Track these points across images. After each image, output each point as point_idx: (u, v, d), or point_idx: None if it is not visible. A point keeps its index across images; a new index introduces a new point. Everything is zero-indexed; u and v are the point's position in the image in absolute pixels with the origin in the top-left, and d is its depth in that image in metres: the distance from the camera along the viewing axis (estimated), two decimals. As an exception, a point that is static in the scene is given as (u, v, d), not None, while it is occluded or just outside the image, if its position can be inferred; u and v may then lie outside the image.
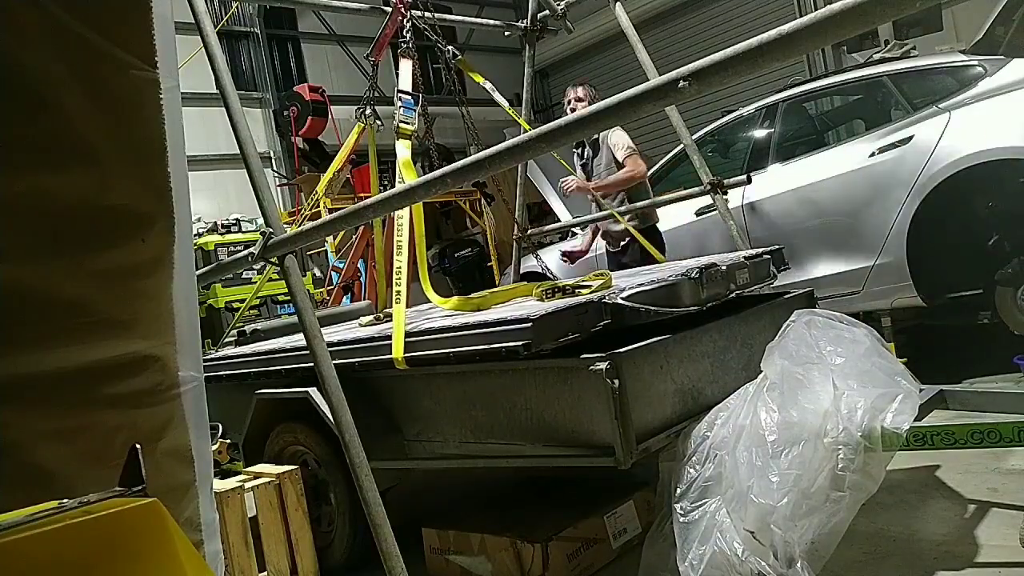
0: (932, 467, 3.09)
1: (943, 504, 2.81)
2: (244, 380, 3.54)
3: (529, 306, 2.68)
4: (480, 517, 3.01)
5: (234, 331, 4.67)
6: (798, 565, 2.08)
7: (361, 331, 3.32)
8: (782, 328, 2.61)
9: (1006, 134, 3.93)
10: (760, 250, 3.39)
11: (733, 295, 2.99)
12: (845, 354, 2.48)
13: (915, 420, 2.34)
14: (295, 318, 2.66)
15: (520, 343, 2.30)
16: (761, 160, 5.03)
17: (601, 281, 2.80)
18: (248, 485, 2.84)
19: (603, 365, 2.21)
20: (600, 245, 5.65)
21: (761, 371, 2.48)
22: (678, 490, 2.28)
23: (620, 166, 4.71)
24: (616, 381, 2.21)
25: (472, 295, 3.41)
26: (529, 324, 2.29)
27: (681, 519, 2.24)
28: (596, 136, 4.83)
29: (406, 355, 2.66)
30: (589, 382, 2.26)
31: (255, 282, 9.04)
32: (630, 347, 2.35)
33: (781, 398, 2.33)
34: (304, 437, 3.25)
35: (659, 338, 2.47)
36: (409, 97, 3.70)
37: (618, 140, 4.73)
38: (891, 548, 2.52)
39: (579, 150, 5.00)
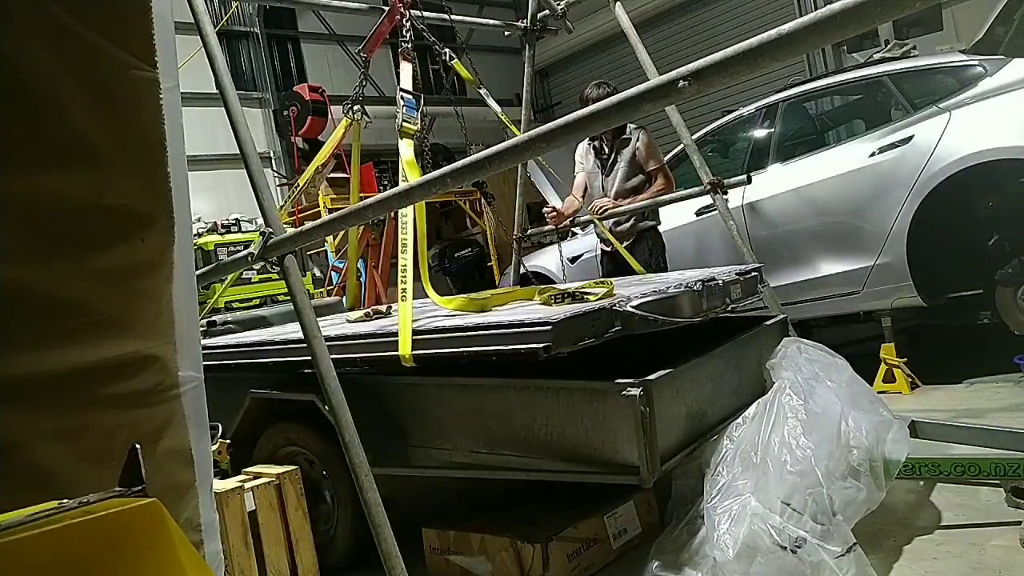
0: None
1: (944, 504, 2.81)
2: (230, 373, 3.47)
3: (535, 310, 2.69)
4: (480, 517, 3.01)
5: (203, 322, 4.60)
6: (839, 517, 2.20)
7: (359, 327, 3.31)
8: (776, 351, 2.84)
9: (1006, 134, 3.93)
10: (749, 267, 3.56)
11: (729, 308, 3.11)
12: (835, 379, 2.69)
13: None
14: (267, 310, 2.67)
15: (540, 345, 2.31)
16: (761, 160, 5.03)
17: (605, 289, 2.82)
18: (248, 485, 2.83)
19: (636, 391, 2.26)
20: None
21: (750, 390, 2.68)
22: (710, 496, 2.35)
23: (641, 169, 4.57)
24: (647, 408, 2.26)
25: (473, 296, 3.41)
26: (550, 327, 2.31)
27: (712, 514, 2.30)
28: (623, 131, 4.61)
29: (415, 352, 2.66)
30: (618, 405, 2.31)
31: (255, 282, 9.04)
32: (659, 373, 2.41)
33: (803, 393, 2.51)
34: (301, 437, 3.24)
35: (681, 366, 2.55)
36: (411, 96, 3.70)
37: (650, 147, 4.55)
38: (891, 547, 2.53)
39: (596, 143, 4.70)
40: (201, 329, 4.44)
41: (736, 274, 3.26)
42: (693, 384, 2.62)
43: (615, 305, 2.53)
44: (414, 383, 2.84)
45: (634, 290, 2.84)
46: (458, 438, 2.73)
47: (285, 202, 6.15)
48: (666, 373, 2.44)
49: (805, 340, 3.03)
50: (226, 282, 6.17)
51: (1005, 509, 2.60)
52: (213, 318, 4.68)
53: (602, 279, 3.32)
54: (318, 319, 4.12)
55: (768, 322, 3.35)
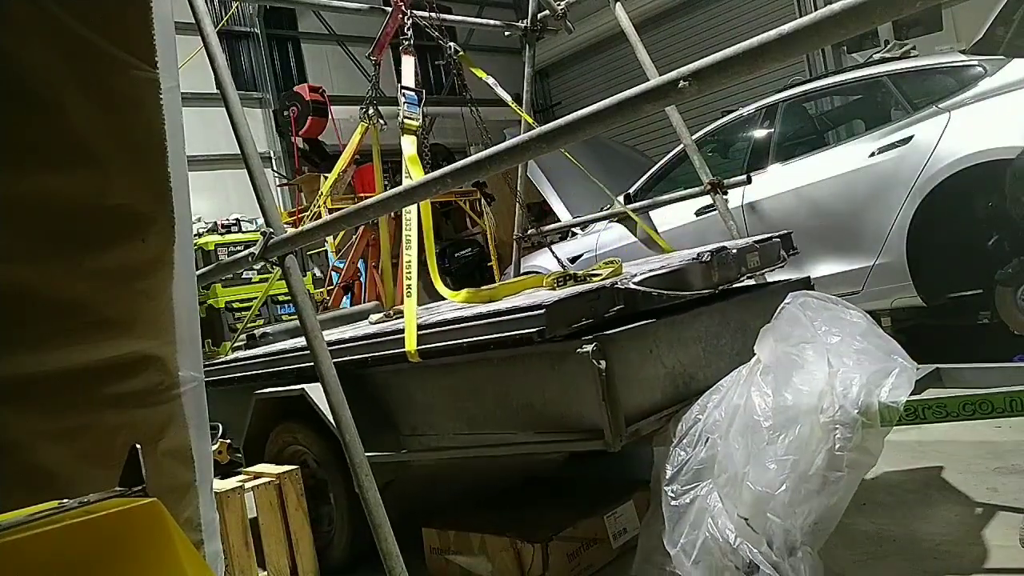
0: (932, 467, 3.09)
1: (943, 504, 2.81)
2: (248, 383, 3.54)
3: (541, 295, 2.67)
4: (480, 517, 3.01)
5: (243, 335, 4.69)
6: (799, 554, 2.06)
7: (371, 328, 3.33)
8: (777, 310, 2.58)
9: (1006, 134, 3.93)
10: (770, 234, 3.38)
11: (745, 279, 2.97)
12: (841, 333, 2.44)
13: (911, 396, 2.29)
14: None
15: (534, 329, 2.30)
16: (761, 160, 5.02)
17: (611, 269, 2.80)
18: (248, 485, 2.84)
19: (589, 347, 2.21)
20: (602, 243, 5.65)
21: (755, 355, 2.45)
22: (669, 472, 2.26)
23: None
24: (603, 363, 2.20)
25: (482, 287, 3.41)
26: (543, 311, 2.29)
27: (672, 502, 2.22)
28: None
29: (419, 347, 2.66)
30: (577, 365, 2.26)
31: (255, 282, 9.04)
32: (616, 329, 2.35)
33: (775, 382, 2.30)
34: (302, 437, 3.25)
35: (646, 322, 2.46)
36: (413, 93, 3.71)
37: None
38: (891, 548, 2.52)
39: None
40: (241, 343, 4.51)
41: (754, 242, 3.12)
42: (673, 344, 2.52)
43: (616, 283, 2.49)
44: (396, 370, 2.83)
45: (645, 267, 2.79)
46: (442, 422, 2.74)
47: (312, 207, 6.21)
48: (626, 329, 2.37)
49: (814, 292, 2.78)
50: (259, 298, 6.22)
51: (1007, 512, 2.60)
52: (253, 331, 4.72)
53: (611, 259, 3.24)
54: (350, 325, 4.19)
55: (780, 283, 3.18)
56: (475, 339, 2.51)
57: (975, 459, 3.03)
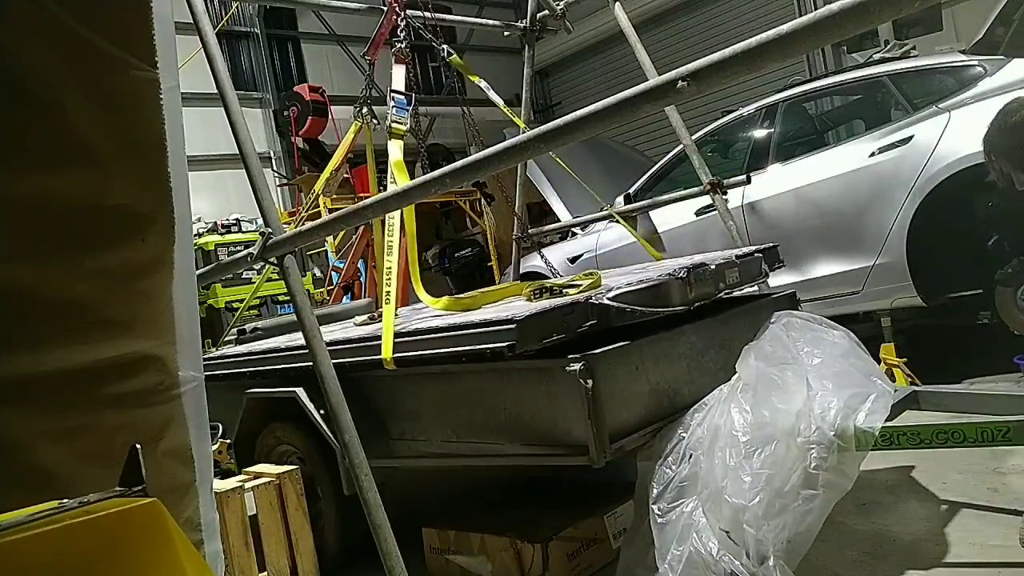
0: (932, 467, 3.09)
1: (943, 504, 2.81)
2: (238, 380, 3.54)
3: (517, 307, 2.68)
4: (480, 517, 3.01)
5: (234, 330, 4.68)
6: (770, 562, 2.10)
7: (354, 331, 3.32)
8: (760, 329, 2.65)
9: (1006, 134, 3.92)
10: (751, 248, 3.37)
11: (723, 294, 2.98)
12: (822, 355, 2.51)
13: (887, 420, 2.36)
14: (294, 316, 2.67)
15: (505, 344, 2.31)
16: (761, 160, 5.02)
17: (590, 281, 2.80)
18: (248, 485, 2.83)
19: (577, 366, 2.23)
20: (601, 243, 5.65)
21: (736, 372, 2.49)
22: (655, 491, 2.30)
23: None
24: (590, 381, 2.22)
25: (462, 295, 3.41)
26: (514, 325, 2.30)
27: (659, 519, 2.25)
28: None
29: (395, 355, 2.67)
30: (564, 382, 2.28)
31: (255, 282, 9.05)
32: (604, 348, 2.37)
33: (754, 399, 2.35)
34: (293, 437, 3.25)
35: (632, 341, 2.48)
36: (402, 97, 3.70)
37: None
38: (891, 548, 2.52)
39: None
40: (231, 337, 4.50)
41: (735, 257, 3.12)
42: (658, 361, 2.53)
43: (590, 298, 2.49)
44: (389, 375, 2.83)
45: (622, 280, 2.78)
46: (431, 428, 2.75)
47: (303, 209, 6.21)
48: (613, 348, 2.38)
49: (799, 312, 2.85)
50: (247, 298, 6.19)
51: (1007, 512, 2.60)
52: (243, 326, 4.71)
53: (591, 271, 3.23)
54: (343, 322, 4.18)
55: (765, 299, 3.18)
56: (448, 350, 2.52)
57: (975, 459, 3.03)
